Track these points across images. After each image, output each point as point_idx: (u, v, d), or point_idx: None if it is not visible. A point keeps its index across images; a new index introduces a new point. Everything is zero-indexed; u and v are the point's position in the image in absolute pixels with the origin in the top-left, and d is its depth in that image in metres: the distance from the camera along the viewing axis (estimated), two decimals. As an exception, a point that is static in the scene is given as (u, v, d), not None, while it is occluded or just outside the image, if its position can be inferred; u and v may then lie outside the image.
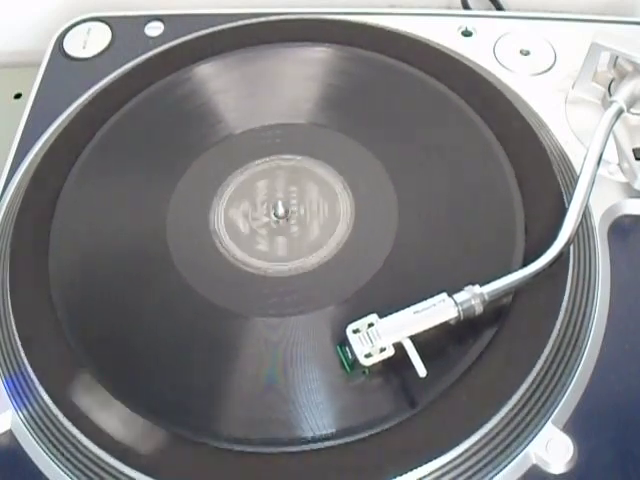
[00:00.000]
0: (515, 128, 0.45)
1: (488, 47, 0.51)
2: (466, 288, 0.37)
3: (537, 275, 0.37)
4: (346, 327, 0.36)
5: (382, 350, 0.35)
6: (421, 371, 0.34)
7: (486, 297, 0.36)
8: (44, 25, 0.61)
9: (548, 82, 0.49)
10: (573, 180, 0.43)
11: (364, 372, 0.36)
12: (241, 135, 0.48)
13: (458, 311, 0.36)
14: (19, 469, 0.36)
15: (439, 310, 0.36)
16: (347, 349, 0.36)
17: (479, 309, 0.36)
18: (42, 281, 0.41)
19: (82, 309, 0.40)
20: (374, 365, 0.36)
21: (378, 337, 0.36)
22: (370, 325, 0.36)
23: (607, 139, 0.41)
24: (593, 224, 0.42)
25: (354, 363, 0.36)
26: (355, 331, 0.36)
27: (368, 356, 0.35)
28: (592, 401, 0.36)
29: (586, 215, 0.41)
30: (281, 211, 0.43)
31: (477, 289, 0.36)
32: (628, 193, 0.43)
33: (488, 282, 0.37)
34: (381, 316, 0.36)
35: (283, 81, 0.50)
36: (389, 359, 0.36)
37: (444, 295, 0.36)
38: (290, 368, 0.37)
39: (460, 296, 0.36)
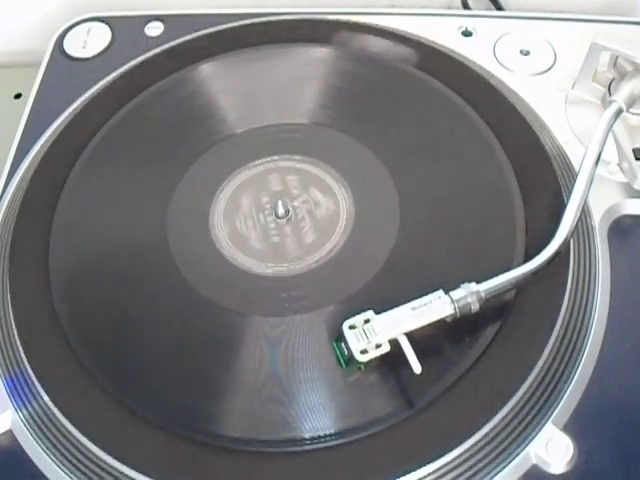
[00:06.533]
0: (515, 128, 0.45)
1: (488, 47, 0.51)
2: (463, 285, 0.36)
3: (535, 273, 0.37)
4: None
5: (378, 346, 0.35)
6: (416, 367, 0.34)
7: (482, 294, 0.36)
8: (44, 25, 0.61)
9: (548, 82, 0.49)
10: (573, 180, 0.42)
11: (359, 368, 0.36)
12: (242, 135, 0.48)
13: (454, 308, 0.36)
14: (19, 469, 0.36)
15: (435, 307, 0.36)
16: (343, 345, 0.37)
17: (475, 306, 0.36)
18: (42, 281, 0.41)
19: (82, 309, 0.40)
20: (370, 361, 0.36)
21: (374, 333, 0.36)
22: (366, 321, 0.36)
23: (606, 138, 0.41)
24: (593, 224, 0.42)
25: (350, 359, 0.36)
26: (351, 327, 0.36)
27: (364, 352, 0.35)
28: (592, 401, 0.36)
29: (586, 215, 0.41)
30: (281, 211, 0.43)
31: (474, 286, 0.36)
32: (628, 193, 0.43)
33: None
34: (379, 313, 0.36)
35: (284, 81, 0.50)
36: (390, 359, 0.36)
37: (440, 292, 0.36)
38: (290, 368, 0.37)
39: (456, 293, 0.36)
